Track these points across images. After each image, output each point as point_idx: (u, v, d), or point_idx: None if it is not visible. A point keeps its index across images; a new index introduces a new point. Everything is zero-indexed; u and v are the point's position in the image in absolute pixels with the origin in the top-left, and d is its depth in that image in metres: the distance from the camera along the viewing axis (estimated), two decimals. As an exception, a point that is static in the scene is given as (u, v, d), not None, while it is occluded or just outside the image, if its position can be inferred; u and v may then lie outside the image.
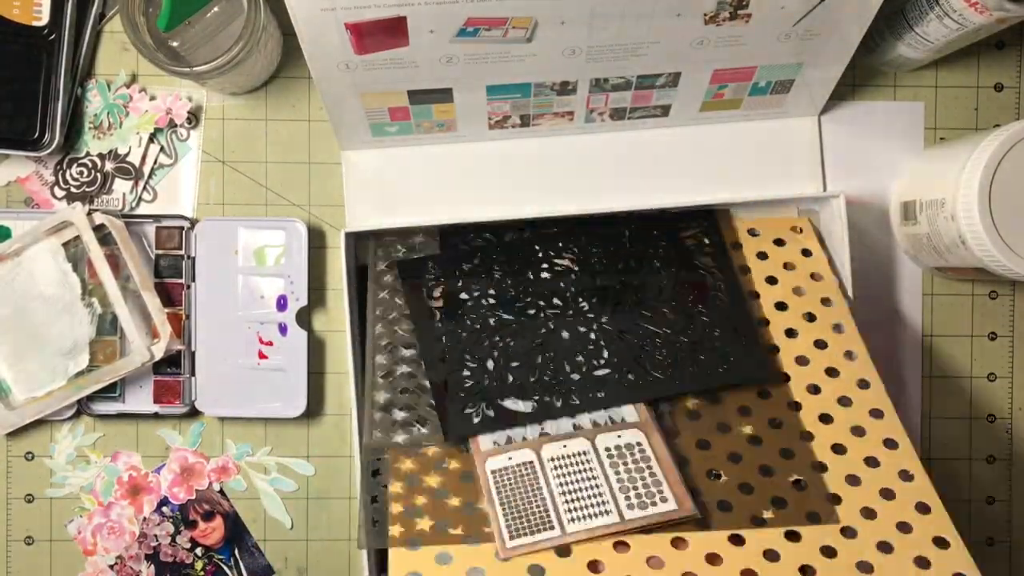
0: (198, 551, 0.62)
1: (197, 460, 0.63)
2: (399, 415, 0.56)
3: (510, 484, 0.52)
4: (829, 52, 0.56)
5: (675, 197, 0.62)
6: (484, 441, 0.54)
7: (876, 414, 0.56)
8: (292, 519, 0.63)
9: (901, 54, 0.60)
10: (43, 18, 0.59)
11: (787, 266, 0.60)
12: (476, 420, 0.54)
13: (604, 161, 0.62)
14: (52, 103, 0.59)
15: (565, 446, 0.53)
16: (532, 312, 0.58)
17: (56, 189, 0.62)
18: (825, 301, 0.59)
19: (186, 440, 0.63)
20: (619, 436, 0.53)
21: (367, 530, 0.53)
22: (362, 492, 0.54)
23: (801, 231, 0.61)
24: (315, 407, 0.63)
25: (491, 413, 0.54)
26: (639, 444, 0.53)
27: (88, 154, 0.62)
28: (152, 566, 0.62)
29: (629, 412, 0.55)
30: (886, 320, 0.64)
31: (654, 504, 0.51)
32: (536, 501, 0.51)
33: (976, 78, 0.64)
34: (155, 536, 0.62)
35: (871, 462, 0.55)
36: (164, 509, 0.62)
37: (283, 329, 0.61)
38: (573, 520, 0.51)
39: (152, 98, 0.62)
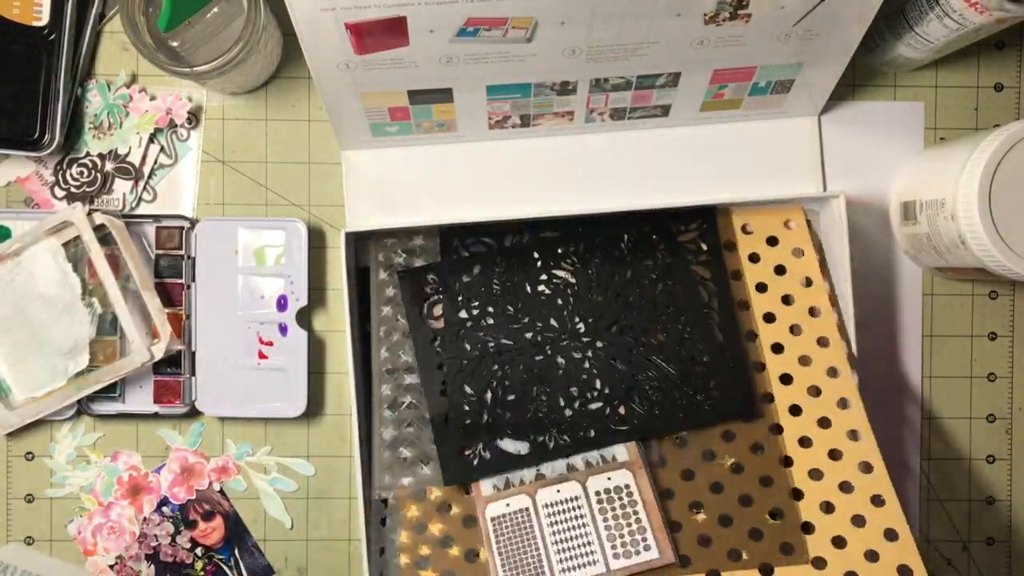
0: (198, 551, 0.62)
1: (197, 460, 0.63)
2: (405, 453, 0.58)
3: (508, 532, 0.56)
4: (829, 52, 0.56)
5: (675, 197, 0.62)
6: (485, 485, 0.57)
7: (853, 436, 0.58)
8: (292, 519, 0.63)
9: (901, 54, 0.60)
10: (43, 18, 0.59)
11: (779, 270, 0.60)
12: (475, 463, 0.57)
13: (604, 161, 0.62)
14: (52, 103, 0.59)
15: (559, 491, 0.56)
16: (529, 335, 0.59)
17: (56, 189, 0.62)
18: (813, 311, 0.60)
19: (186, 440, 0.63)
20: (609, 478, 0.56)
21: None
22: (369, 543, 0.57)
23: (794, 226, 0.61)
24: (315, 407, 0.63)
25: (488, 455, 0.57)
26: (627, 487, 0.56)
27: (88, 154, 0.62)
28: (152, 566, 0.62)
29: (620, 450, 0.57)
30: (886, 320, 0.64)
31: (638, 553, 0.55)
32: (531, 551, 0.55)
33: (976, 78, 0.64)
34: (155, 536, 0.62)
35: (845, 487, 0.57)
36: (164, 509, 0.62)
37: (283, 329, 0.61)
38: (564, 571, 0.54)
39: (152, 98, 0.62)
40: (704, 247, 0.60)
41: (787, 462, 0.58)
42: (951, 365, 0.64)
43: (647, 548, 0.55)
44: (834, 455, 0.58)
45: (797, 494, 0.57)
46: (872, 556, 0.56)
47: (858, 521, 0.56)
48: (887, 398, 0.63)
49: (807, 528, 0.57)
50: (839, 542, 0.56)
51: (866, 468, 0.57)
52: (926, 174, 0.60)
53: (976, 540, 0.64)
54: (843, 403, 0.59)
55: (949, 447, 0.64)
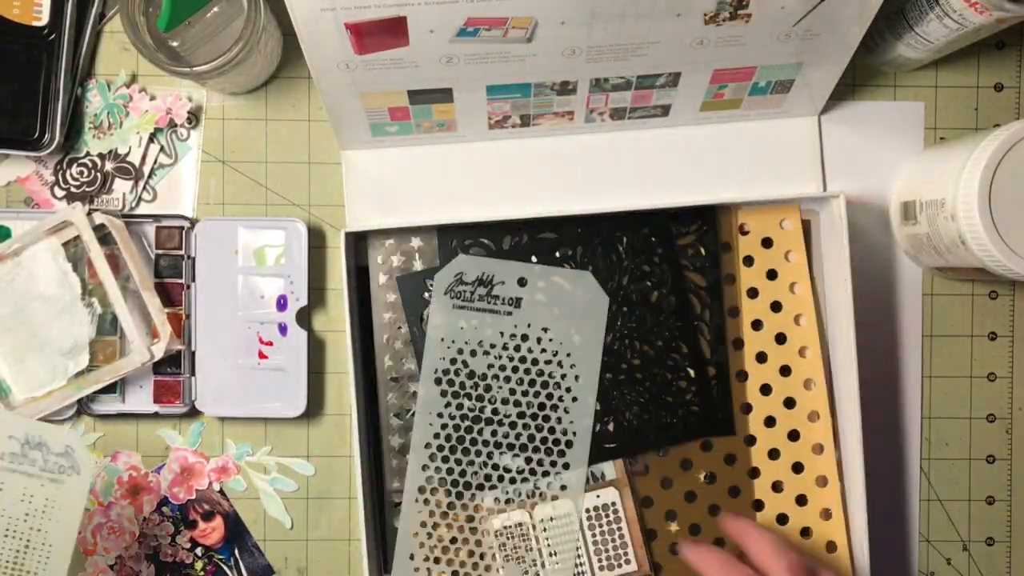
0: (198, 551, 0.62)
1: (197, 460, 0.63)
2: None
3: (509, 542, 0.59)
4: (829, 52, 0.56)
5: (675, 197, 0.62)
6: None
7: (817, 450, 0.60)
8: (292, 519, 0.63)
9: (901, 54, 0.60)
10: (43, 18, 0.59)
11: (771, 274, 0.61)
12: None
13: (604, 161, 0.62)
14: (52, 103, 0.59)
15: (554, 508, 0.60)
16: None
17: (56, 189, 0.62)
18: (797, 319, 0.61)
19: (186, 440, 0.63)
20: (598, 496, 0.60)
21: None
22: (370, 543, 0.58)
23: (788, 226, 0.61)
24: (315, 407, 0.63)
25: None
26: (613, 504, 0.60)
27: (88, 154, 0.62)
28: (152, 566, 0.62)
29: (608, 468, 0.60)
30: (886, 320, 0.64)
31: (620, 566, 0.60)
32: (529, 561, 0.59)
33: (976, 78, 0.64)
34: (155, 536, 0.62)
35: (801, 500, 0.60)
36: (164, 509, 0.62)
37: (283, 329, 0.61)
38: None
39: (152, 98, 0.62)
40: (702, 251, 0.60)
41: (754, 473, 0.60)
42: (951, 365, 0.64)
43: (627, 562, 0.60)
44: (797, 468, 0.60)
45: (758, 505, 0.60)
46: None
47: (806, 533, 0.60)
48: (887, 398, 0.64)
49: None
50: None
51: (823, 482, 0.60)
52: (926, 174, 0.60)
53: (976, 540, 0.64)
54: (814, 416, 0.60)
55: (949, 446, 0.64)
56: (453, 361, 0.59)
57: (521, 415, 0.59)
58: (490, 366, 0.59)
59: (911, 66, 0.62)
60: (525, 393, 0.59)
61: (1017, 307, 0.64)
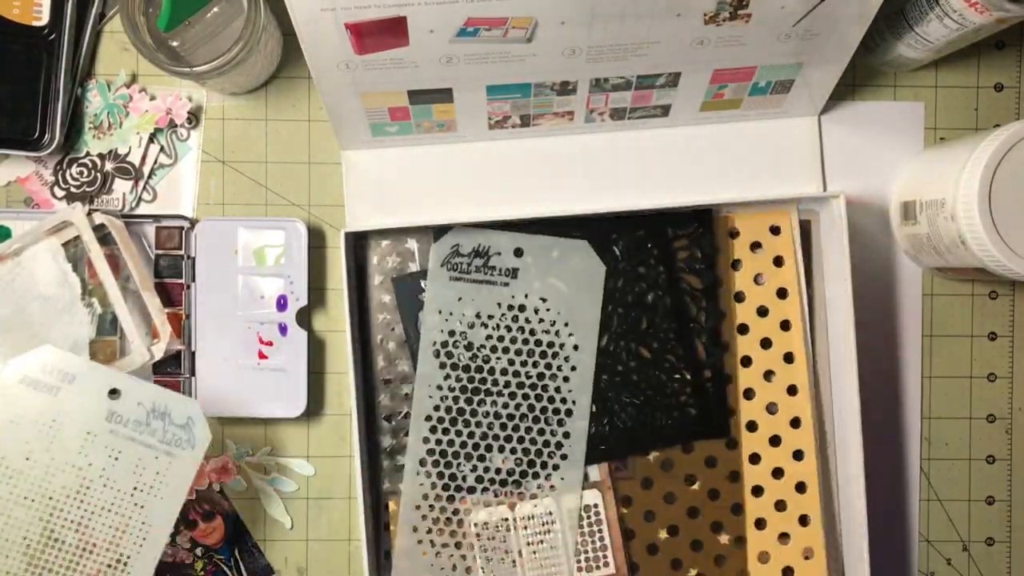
0: (198, 551, 0.62)
1: (197, 460, 0.63)
2: (400, 461, 0.60)
3: (488, 538, 0.59)
4: (829, 52, 0.56)
5: (675, 197, 0.62)
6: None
7: (798, 456, 0.60)
8: (292, 519, 0.63)
9: (901, 54, 0.60)
10: (43, 18, 0.59)
11: (757, 279, 0.61)
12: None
13: (604, 161, 0.62)
14: (52, 103, 0.59)
15: (535, 506, 0.59)
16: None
17: (56, 189, 0.62)
18: (784, 325, 0.60)
19: (186, 440, 0.63)
20: (580, 497, 0.59)
21: None
22: (370, 544, 0.58)
23: (779, 233, 0.61)
24: (315, 407, 0.63)
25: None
26: (596, 506, 0.60)
27: (88, 154, 0.62)
28: (152, 566, 0.62)
29: (593, 469, 0.60)
30: (886, 320, 0.64)
31: (598, 568, 0.59)
32: (508, 558, 0.59)
33: (976, 78, 0.64)
34: (155, 536, 0.62)
35: (780, 505, 0.60)
36: (164, 509, 0.62)
37: (283, 329, 0.61)
38: None
39: (152, 98, 0.62)
40: (698, 254, 0.60)
41: (735, 477, 0.60)
42: (951, 365, 0.64)
43: (606, 564, 0.60)
44: (777, 474, 0.60)
45: (737, 509, 0.60)
46: (788, 572, 0.60)
47: (783, 539, 0.60)
48: (887, 398, 0.64)
49: (740, 542, 0.60)
50: (764, 557, 0.60)
51: (801, 488, 0.60)
52: (926, 174, 0.60)
53: (976, 540, 0.64)
54: (795, 422, 0.60)
55: (949, 447, 0.64)
56: (451, 333, 0.59)
57: (520, 385, 0.59)
58: (488, 337, 0.59)
59: (911, 66, 0.62)
60: (524, 363, 0.59)
61: (1017, 307, 0.64)
